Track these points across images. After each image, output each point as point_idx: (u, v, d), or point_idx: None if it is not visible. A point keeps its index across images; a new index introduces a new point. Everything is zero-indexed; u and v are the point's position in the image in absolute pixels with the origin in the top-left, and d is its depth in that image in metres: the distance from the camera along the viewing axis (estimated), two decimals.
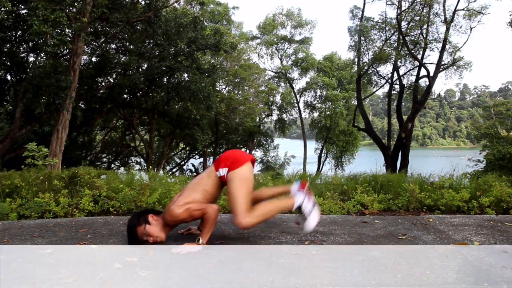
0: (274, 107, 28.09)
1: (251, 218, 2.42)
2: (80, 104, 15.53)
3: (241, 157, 2.59)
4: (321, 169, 27.69)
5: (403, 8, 16.62)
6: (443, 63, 16.55)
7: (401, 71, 18.53)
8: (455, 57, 16.76)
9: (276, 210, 2.55)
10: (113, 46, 14.46)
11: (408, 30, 16.97)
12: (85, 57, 14.50)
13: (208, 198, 2.58)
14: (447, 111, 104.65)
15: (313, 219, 2.54)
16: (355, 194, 3.97)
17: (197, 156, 24.80)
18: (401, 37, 16.80)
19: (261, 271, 2.07)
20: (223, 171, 2.57)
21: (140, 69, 15.50)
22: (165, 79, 15.33)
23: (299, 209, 2.58)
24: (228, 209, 3.71)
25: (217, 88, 20.46)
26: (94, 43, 13.95)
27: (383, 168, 15.87)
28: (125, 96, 16.37)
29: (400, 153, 17.24)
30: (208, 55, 18.13)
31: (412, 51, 16.74)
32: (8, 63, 12.13)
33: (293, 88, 28.87)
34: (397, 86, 18.83)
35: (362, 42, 18.28)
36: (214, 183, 2.60)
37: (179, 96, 14.73)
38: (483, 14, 16.00)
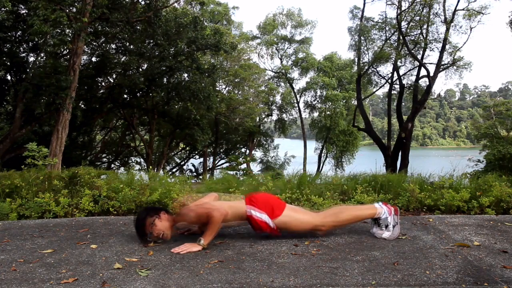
0: (274, 107, 28.10)
1: (329, 222, 2.63)
2: (80, 104, 15.55)
3: (278, 203, 2.69)
4: (321, 169, 27.67)
5: (403, 8, 16.62)
6: (443, 63, 16.56)
7: (401, 71, 18.56)
8: (455, 57, 16.76)
9: (357, 218, 2.71)
10: (113, 46, 14.47)
11: (408, 30, 16.98)
12: (85, 57, 14.52)
13: (229, 214, 2.61)
14: (447, 111, 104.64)
15: (392, 232, 2.66)
16: (355, 194, 3.97)
17: (197, 156, 24.81)
18: (401, 37, 16.80)
19: (261, 271, 2.07)
20: (259, 215, 2.59)
21: (140, 69, 15.52)
22: (165, 79, 15.33)
23: (378, 220, 2.71)
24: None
25: (217, 88, 20.46)
26: (94, 43, 13.96)
27: (383, 168, 15.88)
28: (125, 96, 16.38)
29: (400, 153, 17.24)
30: (208, 55, 18.12)
31: (412, 51, 16.74)
32: (8, 63, 12.13)
33: (293, 88, 28.88)
34: (397, 86, 18.84)
35: (362, 42, 18.29)
36: (238, 214, 2.62)
37: (179, 96, 14.74)
38: (483, 14, 16.01)
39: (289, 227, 2.63)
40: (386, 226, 2.68)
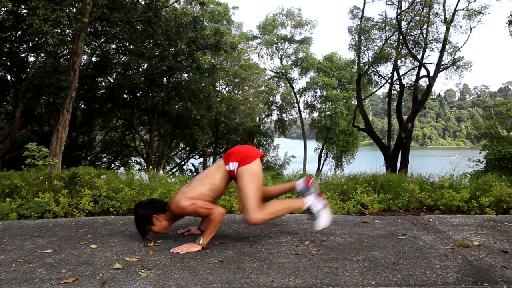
0: (274, 107, 28.09)
1: (262, 214, 2.47)
2: (80, 104, 15.54)
3: (251, 152, 2.60)
4: (321, 169, 27.68)
5: (403, 8, 16.62)
6: (443, 63, 16.55)
7: (401, 71, 18.55)
8: (455, 57, 16.76)
9: (287, 209, 2.61)
10: (113, 46, 14.46)
11: (408, 30, 16.97)
12: (85, 57, 14.51)
13: (215, 191, 2.58)
14: (447, 111, 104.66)
15: (323, 220, 2.59)
16: (355, 194, 3.97)
17: (197, 156, 24.80)
18: (401, 37, 16.80)
19: (261, 271, 2.07)
20: (233, 165, 2.57)
21: (140, 69, 15.51)
22: (165, 79, 15.32)
23: (309, 209, 2.64)
24: (231, 208, 3.72)
25: (217, 88, 20.45)
26: (94, 43, 13.95)
27: (383, 168, 15.87)
28: (125, 96, 16.38)
29: (400, 153, 17.24)
30: (208, 55, 18.12)
31: (412, 51, 16.74)
32: (8, 63, 12.13)
33: (293, 88, 28.87)
34: (397, 86, 18.83)
35: (362, 42, 18.28)
36: (222, 176, 2.59)
37: (179, 96, 14.73)
38: (483, 14, 16.01)
39: (238, 185, 2.53)
40: (317, 213, 2.61)
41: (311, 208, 2.62)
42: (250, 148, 2.67)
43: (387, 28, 18.11)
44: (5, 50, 11.78)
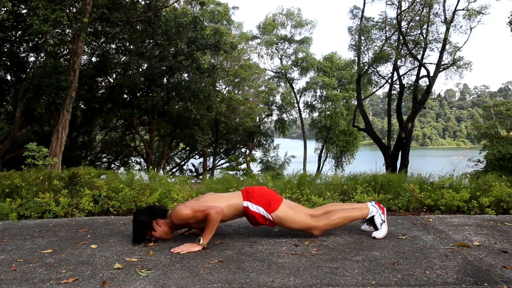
0: (274, 107, 28.08)
1: (322, 225, 2.68)
2: (80, 104, 15.54)
3: (275, 197, 2.70)
4: (321, 169, 27.68)
5: (403, 8, 16.61)
6: (443, 63, 16.54)
7: (401, 71, 18.54)
8: (455, 57, 16.75)
9: (349, 219, 2.75)
10: (113, 46, 14.46)
11: (408, 30, 16.97)
12: (85, 57, 14.51)
13: (225, 212, 2.60)
14: (447, 111, 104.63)
15: (382, 232, 2.72)
16: (355, 194, 3.97)
17: (197, 156, 24.80)
18: (401, 37, 16.80)
19: (261, 271, 2.07)
20: (255, 207, 2.61)
21: (140, 69, 15.50)
22: (165, 79, 15.32)
23: (372, 220, 2.76)
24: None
25: (217, 88, 20.45)
26: (94, 43, 13.95)
27: (383, 168, 15.86)
28: (125, 96, 16.37)
29: (400, 153, 17.24)
30: (208, 55, 18.11)
31: (412, 51, 16.74)
32: (8, 63, 12.13)
33: (293, 88, 28.87)
34: (397, 86, 18.83)
35: (362, 42, 18.28)
36: (236, 208, 2.63)
37: (179, 96, 14.73)
38: (483, 14, 15.99)
39: (283, 223, 2.66)
40: (380, 225, 2.75)
41: (375, 220, 2.75)
42: (271, 192, 2.75)
43: (387, 28, 18.11)
44: (5, 50, 11.78)
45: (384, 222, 2.76)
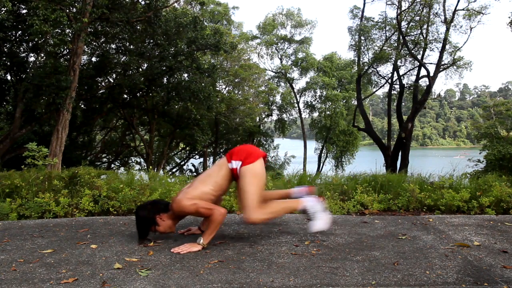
0: (274, 107, 28.07)
1: (261, 214, 2.48)
2: (80, 104, 15.53)
3: (254, 152, 2.60)
4: (321, 169, 27.67)
5: (403, 8, 16.62)
6: (443, 63, 16.55)
7: (401, 71, 18.55)
8: (455, 57, 16.76)
9: (287, 209, 2.64)
10: (113, 46, 14.45)
11: (408, 30, 16.97)
12: (85, 57, 14.50)
13: (218, 190, 2.57)
14: (447, 111, 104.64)
15: (319, 222, 2.60)
16: (355, 194, 3.97)
17: (197, 156, 24.79)
18: (401, 37, 16.80)
19: (261, 271, 2.07)
20: (235, 164, 2.56)
21: (140, 69, 15.50)
22: (165, 79, 15.31)
23: (305, 210, 2.65)
24: (232, 209, 3.72)
25: (217, 88, 20.44)
26: (94, 43, 13.94)
27: (383, 168, 15.87)
28: (125, 96, 16.37)
29: (400, 153, 17.24)
30: (208, 55, 18.11)
31: (412, 51, 16.74)
32: (8, 63, 12.12)
33: (293, 88, 28.86)
34: (397, 86, 18.84)
35: (362, 42, 18.28)
36: (225, 175, 2.59)
37: (179, 96, 14.72)
38: (483, 14, 16.00)
39: (240, 184, 2.53)
40: (313, 214, 2.63)
41: (308, 209, 2.64)
42: (253, 147, 2.67)
43: (387, 28, 18.12)
44: (5, 50, 11.78)
45: (319, 211, 2.63)
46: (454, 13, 15.99)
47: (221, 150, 25.75)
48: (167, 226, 2.57)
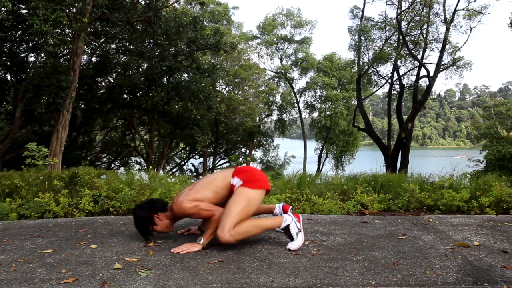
0: (274, 107, 28.08)
1: (235, 234, 2.34)
2: (80, 104, 15.53)
3: (261, 180, 2.56)
4: (321, 169, 27.67)
5: (403, 8, 16.62)
6: (443, 63, 16.55)
7: (401, 71, 18.55)
8: (455, 57, 16.75)
9: (262, 228, 2.49)
10: (113, 46, 14.46)
11: (408, 30, 16.97)
12: (85, 57, 14.50)
13: (218, 199, 2.56)
14: (447, 111, 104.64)
15: (298, 241, 2.49)
16: (355, 194, 3.97)
17: (197, 156, 24.79)
18: (401, 37, 16.80)
19: (261, 271, 2.07)
20: (235, 181, 2.54)
21: (140, 69, 15.51)
22: (165, 79, 15.32)
23: (286, 229, 2.50)
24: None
25: (217, 88, 20.45)
26: (94, 43, 13.95)
27: (383, 168, 15.87)
28: (125, 96, 16.37)
29: (400, 153, 17.24)
30: (208, 55, 18.11)
31: (412, 51, 16.74)
32: (8, 63, 12.12)
33: (293, 88, 28.87)
34: (397, 86, 18.83)
35: (362, 42, 18.28)
36: (225, 187, 2.58)
37: (179, 96, 14.72)
38: (483, 14, 16.00)
39: (232, 199, 2.45)
40: (296, 234, 2.51)
41: (290, 229, 2.48)
42: (263, 175, 2.63)
43: (387, 28, 18.11)
44: (5, 50, 11.77)
45: (300, 231, 2.52)
46: (454, 13, 15.99)
47: (221, 150, 25.76)
48: (165, 226, 2.57)
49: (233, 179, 2.56)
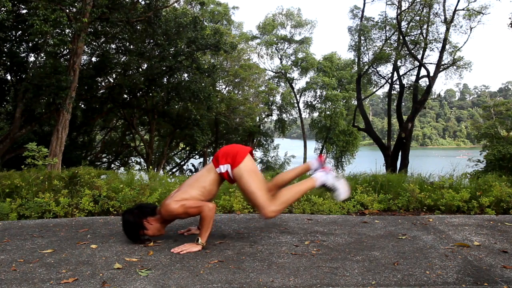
0: (274, 107, 28.09)
1: (276, 206, 2.46)
2: (80, 104, 15.55)
3: (240, 151, 2.57)
4: None
5: (403, 8, 16.62)
6: (443, 63, 16.55)
7: (401, 71, 18.56)
8: (455, 57, 16.76)
9: (300, 193, 2.60)
10: (113, 46, 14.46)
11: (408, 30, 16.98)
12: (85, 57, 14.52)
13: (206, 195, 2.55)
14: (447, 111, 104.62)
15: (342, 189, 2.61)
16: (355, 194, 3.97)
17: (197, 156, 24.80)
18: (401, 37, 16.80)
19: (261, 271, 2.07)
20: (224, 168, 2.53)
21: (140, 69, 15.51)
22: (165, 79, 15.32)
23: (324, 185, 2.64)
24: (231, 209, 3.72)
25: (217, 88, 20.45)
26: (94, 43, 13.95)
27: (383, 168, 15.87)
28: (125, 96, 16.38)
29: (400, 153, 17.24)
30: (208, 55, 18.12)
31: (412, 51, 16.74)
32: (8, 63, 12.13)
33: (293, 88, 28.87)
34: (397, 86, 18.85)
35: (362, 42, 18.28)
36: (214, 180, 2.57)
37: (179, 96, 14.73)
38: (483, 14, 16.01)
39: (240, 184, 2.50)
40: (333, 185, 2.62)
41: (326, 183, 2.62)
42: (236, 146, 2.62)
43: (387, 28, 18.12)
44: (5, 50, 11.78)
45: (337, 179, 2.62)
46: (454, 13, 16.00)
47: None
48: (156, 229, 2.56)
49: (218, 168, 2.55)
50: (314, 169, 2.75)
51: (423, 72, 17.02)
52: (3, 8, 9.23)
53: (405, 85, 18.13)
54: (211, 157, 20.25)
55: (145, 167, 18.09)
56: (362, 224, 3.12)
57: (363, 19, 18.43)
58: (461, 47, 16.88)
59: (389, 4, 17.35)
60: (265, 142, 27.59)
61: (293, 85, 28.99)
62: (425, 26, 16.48)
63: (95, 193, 3.77)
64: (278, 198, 2.51)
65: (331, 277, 1.99)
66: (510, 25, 12.91)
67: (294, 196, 2.57)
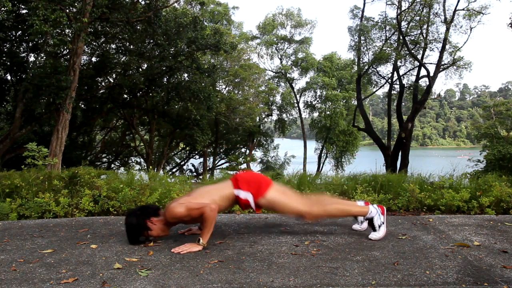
0: (274, 107, 28.07)
1: (318, 211, 2.58)
2: (80, 104, 15.55)
3: (263, 181, 2.63)
4: (321, 169, 27.66)
5: (403, 8, 16.62)
6: (443, 63, 16.55)
7: (401, 71, 18.54)
8: (455, 57, 16.75)
9: (347, 214, 2.72)
10: (113, 46, 14.46)
11: (408, 30, 16.97)
12: (85, 57, 14.52)
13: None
14: (447, 111, 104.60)
15: (381, 234, 2.66)
16: (355, 194, 3.97)
17: (197, 156, 24.80)
18: (401, 37, 16.80)
19: (261, 271, 2.07)
20: (243, 194, 2.57)
21: (140, 69, 15.51)
22: (165, 79, 15.33)
23: (370, 220, 2.69)
24: (231, 209, 3.71)
25: (217, 88, 20.45)
26: (94, 43, 13.95)
27: (383, 168, 15.87)
28: (125, 96, 16.38)
29: (400, 153, 17.24)
30: (208, 55, 18.11)
31: (412, 51, 16.74)
32: (8, 63, 12.13)
33: (293, 88, 28.86)
34: (397, 86, 18.83)
35: (362, 42, 18.28)
36: (227, 197, 2.59)
37: (179, 96, 14.74)
38: (483, 14, 16.00)
39: (274, 208, 2.64)
40: (378, 226, 2.67)
41: (374, 221, 2.67)
42: (259, 176, 2.69)
43: (387, 28, 18.11)
44: (5, 50, 11.78)
45: (383, 224, 2.67)
46: (454, 13, 15.99)
47: (221, 150, 25.76)
48: (160, 230, 2.57)
49: (237, 191, 2.59)
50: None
51: (423, 72, 17.03)
52: (3, 8, 9.24)
53: (405, 85, 18.12)
54: (211, 157, 20.27)
55: (145, 167, 18.10)
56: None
57: (363, 19, 18.43)
58: (461, 47, 16.88)
59: (389, 4, 17.35)
60: (265, 142, 27.59)
61: (293, 85, 28.98)
62: (425, 26, 16.48)
63: (95, 193, 3.77)
64: (324, 205, 2.62)
65: (331, 277, 1.99)
66: (510, 25, 12.91)
67: (339, 213, 2.69)
